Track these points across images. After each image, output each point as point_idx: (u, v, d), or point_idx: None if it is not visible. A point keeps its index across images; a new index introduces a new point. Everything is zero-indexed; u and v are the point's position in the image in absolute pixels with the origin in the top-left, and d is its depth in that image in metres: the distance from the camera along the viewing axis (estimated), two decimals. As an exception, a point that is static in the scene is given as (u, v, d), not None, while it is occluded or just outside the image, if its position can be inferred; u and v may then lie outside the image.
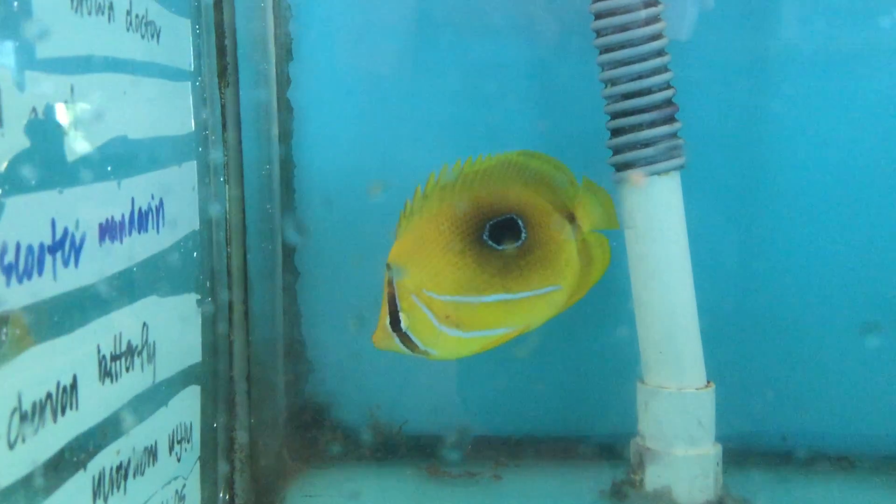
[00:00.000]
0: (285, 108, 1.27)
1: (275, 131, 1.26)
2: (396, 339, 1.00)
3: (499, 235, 1.01)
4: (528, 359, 1.27)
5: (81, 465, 0.67)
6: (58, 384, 0.63)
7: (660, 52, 1.09)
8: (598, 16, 1.09)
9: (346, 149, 1.29)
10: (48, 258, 0.62)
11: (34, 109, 0.60)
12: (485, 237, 1.00)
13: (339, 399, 1.31)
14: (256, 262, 1.18)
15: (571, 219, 1.05)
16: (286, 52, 1.27)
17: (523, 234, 1.02)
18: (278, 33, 1.25)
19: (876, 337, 1.24)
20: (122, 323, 0.74)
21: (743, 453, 1.20)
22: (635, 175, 1.04)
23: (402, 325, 0.99)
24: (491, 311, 1.01)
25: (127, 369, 0.75)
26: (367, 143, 1.28)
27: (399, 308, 0.99)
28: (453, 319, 1.00)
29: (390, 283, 0.99)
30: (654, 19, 1.08)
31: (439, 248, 0.99)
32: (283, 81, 1.27)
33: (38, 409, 0.61)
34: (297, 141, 1.28)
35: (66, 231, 0.64)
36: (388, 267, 1.00)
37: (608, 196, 1.10)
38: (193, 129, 0.93)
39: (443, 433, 1.29)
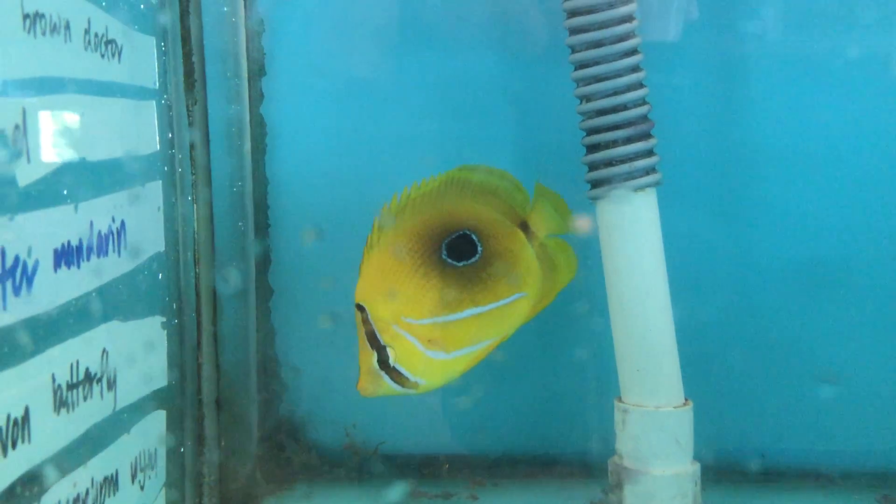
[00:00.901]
0: (258, 124, 1.26)
1: (247, 147, 1.24)
2: (385, 378, 0.99)
3: (457, 253, 1.01)
4: (504, 377, 1.26)
5: (34, 499, 0.65)
6: (8, 417, 0.61)
7: (635, 68, 1.08)
8: (573, 32, 1.08)
9: (321, 164, 1.27)
10: (-3, 287, 0.60)
11: (-19, 134, 0.58)
12: (444, 256, 1.00)
13: (314, 419, 1.29)
14: (228, 282, 1.16)
15: (525, 226, 1.05)
16: (259, 68, 1.25)
17: (479, 248, 1.02)
18: (250, 48, 1.24)
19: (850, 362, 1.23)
20: (80, 350, 0.72)
21: (722, 471, 1.19)
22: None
23: (391, 359, 0.97)
24: (467, 326, 1.01)
25: (85, 398, 0.73)
26: (342, 158, 1.27)
27: (383, 343, 0.97)
28: (437, 342, 0.99)
29: (366, 322, 0.97)
30: (629, 35, 1.07)
31: (405, 275, 0.99)
32: (256, 97, 1.25)
33: (-13, 443, 0.59)
34: (271, 157, 1.26)
35: (17, 259, 0.62)
36: (360, 307, 0.98)
37: (562, 200, 1.10)
38: (158, 148, 0.91)
39: (420, 453, 1.27)
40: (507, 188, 1.06)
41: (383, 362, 0.98)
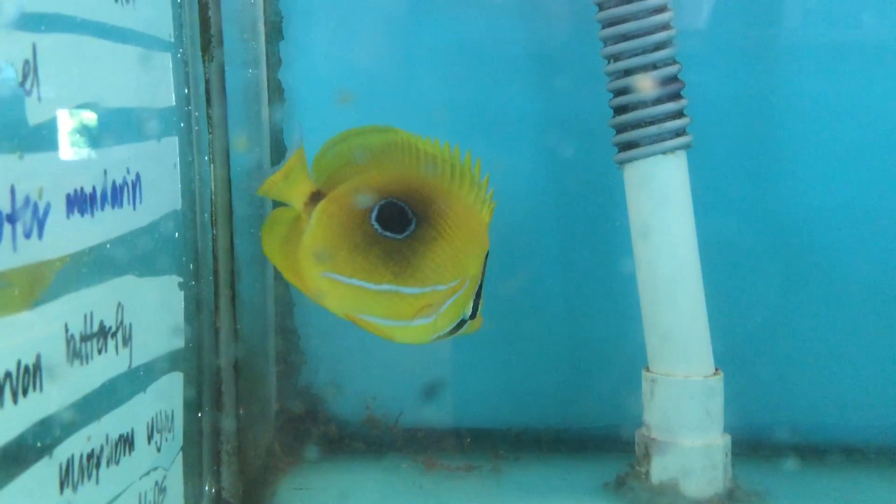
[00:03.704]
0: (276, 89, 1.23)
1: (265, 113, 1.22)
2: None
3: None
4: (527, 346, 1.23)
5: (46, 451, 0.63)
6: (18, 363, 0.59)
7: (665, 26, 1.05)
8: (600, -13, 1.05)
9: (340, 131, 1.24)
10: (7, 227, 0.57)
11: (-11, 65, 0.56)
12: None
13: (333, 391, 1.27)
14: (246, 248, 1.13)
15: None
16: (276, 32, 1.23)
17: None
18: (267, 11, 1.21)
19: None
20: (94, 302, 0.70)
21: (753, 445, 1.15)
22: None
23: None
24: None
25: (99, 351, 0.70)
26: (362, 124, 1.24)
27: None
28: None
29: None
30: (659, -9, 1.04)
31: None
32: (274, 61, 1.23)
33: (-4, 388, 0.56)
34: (289, 124, 1.24)
35: (27, 199, 0.59)
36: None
37: None
38: (174, 103, 0.89)
39: (440, 426, 1.25)
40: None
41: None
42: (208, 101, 0.96)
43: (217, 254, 0.99)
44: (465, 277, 0.99)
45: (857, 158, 1.19)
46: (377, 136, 1.02)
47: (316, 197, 0.99)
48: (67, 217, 0.65)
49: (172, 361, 0.88)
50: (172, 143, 0.88)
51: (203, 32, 0.95)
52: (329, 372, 1.27)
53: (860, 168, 1.19)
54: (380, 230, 0.97)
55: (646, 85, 1.05)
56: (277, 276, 1.25)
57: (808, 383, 1.22)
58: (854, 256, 1.20)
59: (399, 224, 0.97)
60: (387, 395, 1.26)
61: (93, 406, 0.70)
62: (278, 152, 1.23)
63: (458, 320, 1.01)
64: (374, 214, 0.98)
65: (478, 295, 1.01)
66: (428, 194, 0.98)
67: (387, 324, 0.99)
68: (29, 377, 0.60)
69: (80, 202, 0.67)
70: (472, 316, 1.02)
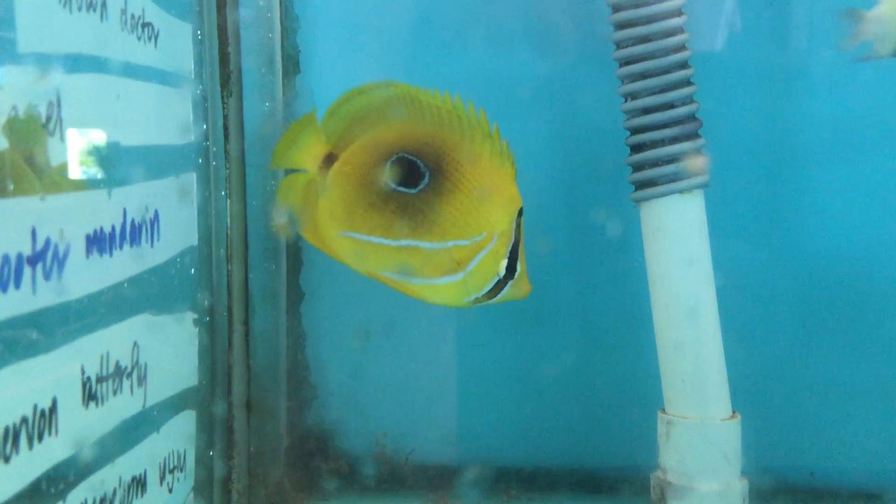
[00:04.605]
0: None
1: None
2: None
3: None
4: (542, 386, 1.22)
5: (60, 496, 0.62)
6: (35, 407, 0.58)
7: (682, 65, 1.05)
8: (619, 27, 1.05)
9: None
10: (27, 270, 0.57)
11: (14, 108, 0.55)
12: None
13: (343, 427, 1.25)
14: (259, 282, 1.13)
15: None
16: (294, 65, 1.23)
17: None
18: (285, 45, 1.21)
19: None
20: (110, 342, 0.69)
21: (770, 489, 1.14)
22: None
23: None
24: None
25: (114, 392, 0.69)
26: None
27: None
28: None
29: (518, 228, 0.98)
30: (677, 30, 1.04)
31: None
32: (291, 94, 1.23)
33: (12, 434, 0.55)
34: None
35: (48, 241, 0.59)
36: (520, 213, 0.99)
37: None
38: (193, 139, 0.88)
39: (452, 463, 1.23)
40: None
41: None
42: (226, 136, 0.96)
43: (231, 289, 0.98)
44: (491, 232, 0.98)
45: (878, 194, 1.18)
46: (379, 91, 1.02)
47: (329, 159, 1.00)
48: (87, 257, 0.65)
49: (185, 400, 0.87)
50: (191, 178, 0.88)
51: (222, 68, 0.95)
52: (340, 407, 1.25)
53: (881, 204, 1.18)
54: (393, 186, 0.97)
55: (663, 124, 1.05)
56: (290, 309, 1.24)
57: (828, 427, 1.21)
58: (876, 295, 1.19)
59: (412, 178, 0.97)
60: (398, 431, 1.24)
61: (107, 448, 0.69)
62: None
63: (494, 281, 0.98)
64: (386, 171, 0.98)
65: (514, 254, 0.99)
66: (439, 147, 0.98)
67: (412, 281, 0.98)
68: (45, 421, 0.59)
69: (99, 242, 0.67)
70: (511, 276, 0.99)
